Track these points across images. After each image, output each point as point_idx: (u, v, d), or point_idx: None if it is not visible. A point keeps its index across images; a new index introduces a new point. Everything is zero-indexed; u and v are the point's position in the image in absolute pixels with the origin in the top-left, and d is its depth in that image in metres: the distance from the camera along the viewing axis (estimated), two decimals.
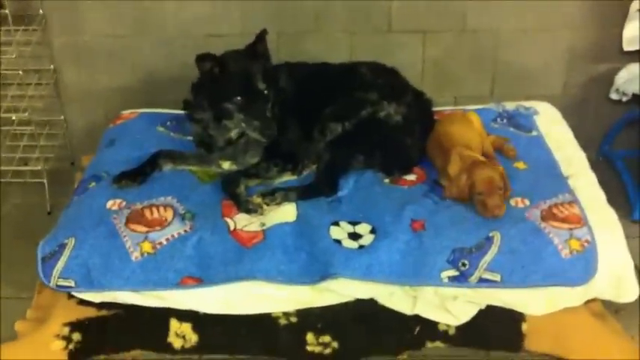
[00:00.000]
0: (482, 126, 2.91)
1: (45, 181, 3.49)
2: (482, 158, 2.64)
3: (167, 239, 2.47)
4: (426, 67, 3.54)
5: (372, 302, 2.46)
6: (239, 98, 2.62)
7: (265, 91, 2.64)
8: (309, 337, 2.47)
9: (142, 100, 3.46)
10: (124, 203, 2.62)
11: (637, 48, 3.34)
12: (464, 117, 2.92)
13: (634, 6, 3.27)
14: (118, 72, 3.56)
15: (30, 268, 2.50)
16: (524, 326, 2.45)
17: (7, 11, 3.14)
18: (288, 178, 2.80)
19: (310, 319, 2.47)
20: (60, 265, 2.44)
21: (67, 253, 2.45)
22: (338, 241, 2.44)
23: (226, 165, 2.83)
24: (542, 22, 3.45)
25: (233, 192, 2.65)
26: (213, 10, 3.41)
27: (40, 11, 3.39)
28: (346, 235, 2.47)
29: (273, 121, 2.65)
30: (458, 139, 2.71)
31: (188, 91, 2.82)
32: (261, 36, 2.71)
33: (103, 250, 2.45)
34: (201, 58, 2.60)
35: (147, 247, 2.45)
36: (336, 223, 2.51)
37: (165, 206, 2.60)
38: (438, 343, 2.49)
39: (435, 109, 3.10)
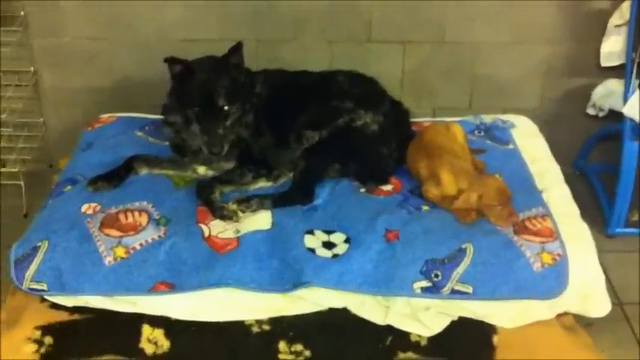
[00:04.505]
0: (465, 139, 2.91)
1: (22, 183, 3.48)
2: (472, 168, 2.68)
3: (141, 244, 2.46)
4: (405, 77, 3.56)
5: (344, 311, 2.46)
6: (197, 109, 2.64)
7: (225, 107, 2.65)
8: (282, 345, 2.45)
9: (121, 104, 3.46)
10: (99, 207, 2.61)
11: (614, 64, 3.35)
12: (448, 129, 2.88)
13: (612, 21, 3.28)
14: (97, 75, 3.57)
15: (5, 270, 2.47)
16: (495, 338, 2.46)
17: None
18: (263, 184, 2.80)
19: (282, 327, 2.47)
20: (32, 267, 2.43)
21: (39, 256, 2.44)
22: (311, 250, 2.44)
23: (202, 170, 2.83)
24: (519, 36, 3.48)
25: (207, 198, 2.65)
26: (191, 15, 3.43)
27: (22, 12, 3.38)
28: (320, 244, 2.47)
29: (223, 138, 2.65)
30: (445, 148, 2.72)
31: (165, 96, 2.81)
32: (236, 48, 2.70)
33: (75, 254, 2.44)
34: (171, 61, 2.62)
35: (120, 251, 2.44)
36: (311, 232, 2.51)
37: (140, 211, 2.60)
38: (410, 354, 2.48)
39: (413, 120, 3.11)
